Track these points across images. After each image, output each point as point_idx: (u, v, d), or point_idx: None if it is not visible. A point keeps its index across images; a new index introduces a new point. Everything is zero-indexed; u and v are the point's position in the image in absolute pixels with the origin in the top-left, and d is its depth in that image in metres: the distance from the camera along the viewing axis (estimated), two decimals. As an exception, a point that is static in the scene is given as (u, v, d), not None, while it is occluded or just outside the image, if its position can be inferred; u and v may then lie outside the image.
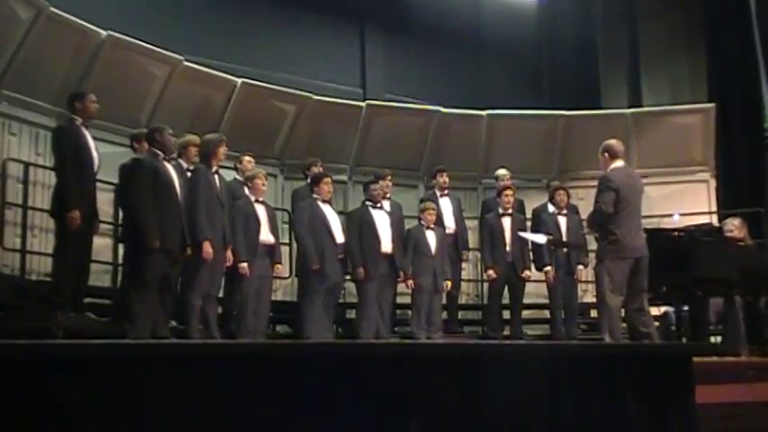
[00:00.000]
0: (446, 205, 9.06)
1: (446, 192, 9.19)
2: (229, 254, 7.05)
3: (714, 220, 9.50)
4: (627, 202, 6.54)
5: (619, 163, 6.75)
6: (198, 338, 6.60)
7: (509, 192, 8.94)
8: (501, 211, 8.92)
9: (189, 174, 6.99)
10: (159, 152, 6.54)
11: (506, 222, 8.84)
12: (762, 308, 7.80)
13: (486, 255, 8.89)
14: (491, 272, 8.77)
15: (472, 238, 9.35)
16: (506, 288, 8.87)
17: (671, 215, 8.64)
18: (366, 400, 3.71)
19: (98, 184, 6.86)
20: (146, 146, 6.78)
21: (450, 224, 8.97)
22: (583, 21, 13.41)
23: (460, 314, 9.54)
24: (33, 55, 7.45)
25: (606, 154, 6.78)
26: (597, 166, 6.95)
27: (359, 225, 8.08)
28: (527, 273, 8.81)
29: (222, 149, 7.12)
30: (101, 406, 3.16)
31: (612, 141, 6.84)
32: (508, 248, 8.76)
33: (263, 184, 7.65)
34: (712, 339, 7.66)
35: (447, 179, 9.20)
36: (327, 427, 3.60)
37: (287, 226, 8.98)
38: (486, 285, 9.19)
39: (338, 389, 3.64)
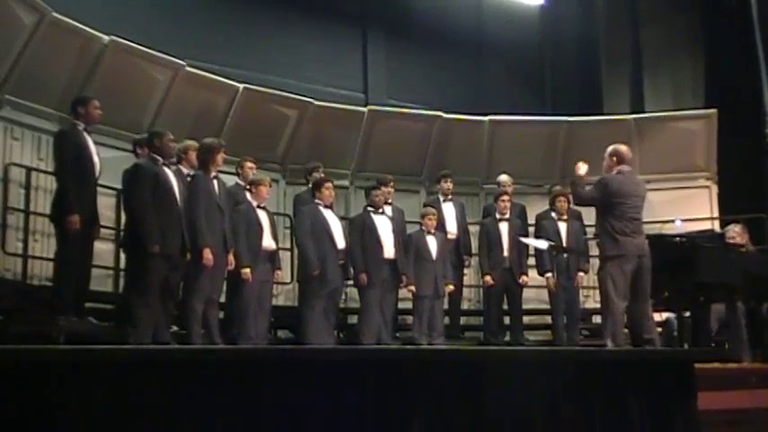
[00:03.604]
0: (449, 210, 9.06)
1: (450, 197, 9.19)
2: (231, 258, 7.05)
3: (716, 225, 9.49)
4: (627, 206, 6.55)
5: (623, 168, 6.75)
6: (199, 343, 6.60)
7: (506, 197, 8.95)
8: (498, 216, 8.92)
9: (189, 179, 6.99)
10: (159, 157, 6.54)
11: (504, 227, 8.85)
12: (764, 314, 7.79)
13: (483, 260, 8.90)
14: (488, 278, 8.77)
15: (473, 244, 9.34)
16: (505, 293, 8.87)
17: (673, 221, 8.64)
18: (367, 406, 3.71)
19: (99, 189, 6.87)
20: (147, 151, 6.79)
21: (452, 229, 8.97)
22: (585, 26, 13.43)
23: (462, 320, 9.54)
24: (36, 60, 7.46)
25: (614, 158, 6.79)
26: (600, 171, 6.95)
27: (361, 231, 8.07)
28: (524, 278, 8.80)
29: (221, 155, 7.10)
30: (102, 410, 3.17)
31: (623, 147, 6.87)
32: (506, 254, 8.76)
33: (267, 192, 7.65)
34: (714, 345, 7.65)
35: (451, 184, 9.20)
36: (329, 433, 3.60)
37: (288, 231, 8.98)
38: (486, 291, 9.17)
39: (340, 394, 3.64)
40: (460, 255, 9.05)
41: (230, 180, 7.86)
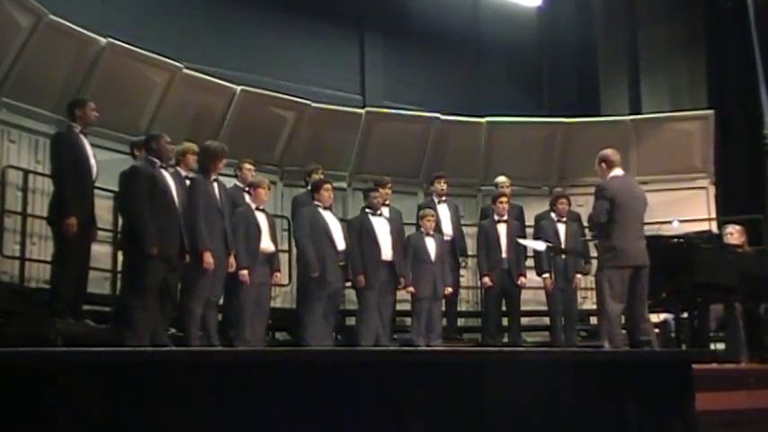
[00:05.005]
0: (444, 212, 9.06)
1: (444, 198, 9.19)
2: (232, 260, 7.05)
3: (713, 226, 9.50)
4: (625, 209, 6.53)
5: (617, 171, 6.75)
6: (197, 346, 6.59)
7: (503, 199, 8.95)
8: (497, 217, 8.92)
9: (188, 182, 6.99)
10: (156, 159, 6.54)
11: (502, 229, 8.84)
12: (762, 314, 7.79)
13: (481, 262, 8.90)
14: (486, 279, 8.78)
15: (471, 245, 9.34)
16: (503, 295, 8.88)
17: (670, 222, 8.64)
18: (366, 408, 3.70)
19: (97, 192, 6.87)
20: (144, 153, 6.79)
21: (448, 230, 8.97)
22: (582, 27, 13.44)
23: (460, 321, 9.54)
24: (33, 62, 7.45)
25: (603, 164, 6.78)
26: (597, 173, 6.95)
27: (359, 232, 8.07)
28: (523, 280, 8.80)
29: (223, 162, 7.14)
30: (100, 412, 3.16)
31: (608, 151, 6.84)
32: (504, 255, 8.76)
33: (266, 194, 7.65)
34: (712, 346, 7.65)
35: (445, 186, 9.20)
36: (327, 435, 3.60)
37: (286, 233, 8.98)
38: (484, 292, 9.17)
39: (338, 396, 3.63)
40: (456, 256, 9.05)
41: (228, 182, 7.85)
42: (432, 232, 8.48)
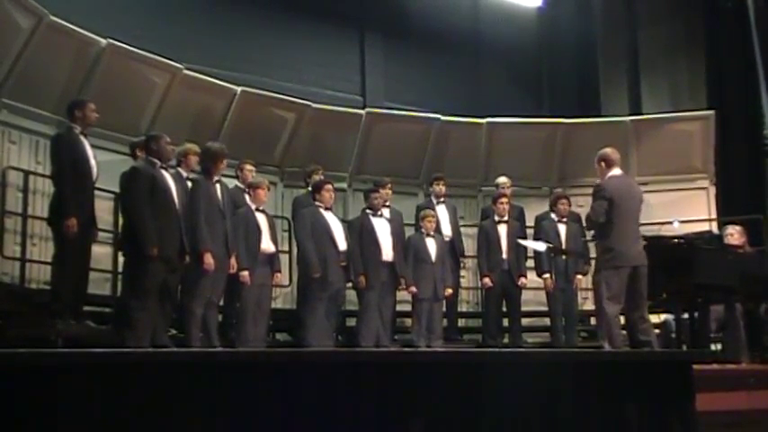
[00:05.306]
0: (443, 213, 9.06)
1: (443, 199, 9.19)
2: (233, 261, 7.05)
3: (714, 227, 9.50)
4: (623, 210, 6.53)
5: (616, 171, 6.75)
6: (198, 346, 6.59)
7: (504, 199, 8.95)
8: (497, 218, 8.93)
9: (189, 182, 7.00)
10: (156, 160, 6.55)
11: (503, 230, 8.84)
12: (762, 315, 7.80)
13: (481, 262, 8.90)
14: (486, 280, 8.78)
15: (471, 246, 9.35)
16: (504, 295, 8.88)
17: (670, 222, 8.64)
18: (366, 409, 3.70)
19: (97, 192, 6.87)
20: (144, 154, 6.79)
21: (447, 232, 8.97)
22: (582, 28, 13.44)
23: (460, 322, 9.54)
24: (33, 63, 7.46)
25: (603, 163, 6.78)
26: (596, 173, 6.96)
27: (359, 233, 8.08)
28: (523, 280, 8.80)
29: (224, 164, 7.15)
30: (100, 413, 3.16)
31: (608, 150, 6.84)
32: (504, 256, 8.76)
33: (266, 195, 7.66)
34: (712, 347, 7.65)
35: (444, 187, 9.20)
36: (327, 436, 3.60)
37: (286, 234, 8.98)
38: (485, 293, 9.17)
39: (338, 397, 3.64)
40: (456, 257, 9.05)
41: (229, 182, 7.85)
42: (432, 233, 8.48)
